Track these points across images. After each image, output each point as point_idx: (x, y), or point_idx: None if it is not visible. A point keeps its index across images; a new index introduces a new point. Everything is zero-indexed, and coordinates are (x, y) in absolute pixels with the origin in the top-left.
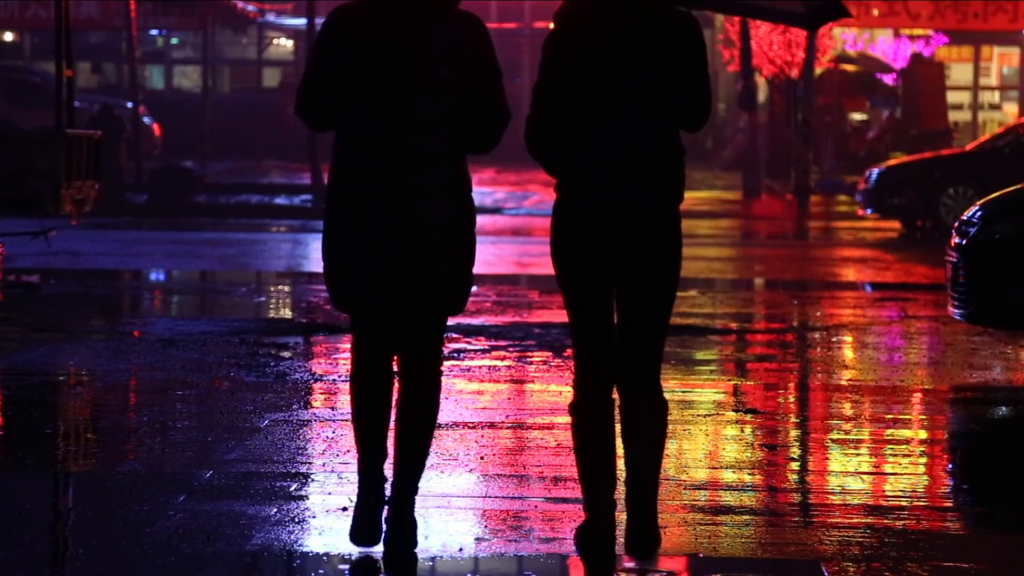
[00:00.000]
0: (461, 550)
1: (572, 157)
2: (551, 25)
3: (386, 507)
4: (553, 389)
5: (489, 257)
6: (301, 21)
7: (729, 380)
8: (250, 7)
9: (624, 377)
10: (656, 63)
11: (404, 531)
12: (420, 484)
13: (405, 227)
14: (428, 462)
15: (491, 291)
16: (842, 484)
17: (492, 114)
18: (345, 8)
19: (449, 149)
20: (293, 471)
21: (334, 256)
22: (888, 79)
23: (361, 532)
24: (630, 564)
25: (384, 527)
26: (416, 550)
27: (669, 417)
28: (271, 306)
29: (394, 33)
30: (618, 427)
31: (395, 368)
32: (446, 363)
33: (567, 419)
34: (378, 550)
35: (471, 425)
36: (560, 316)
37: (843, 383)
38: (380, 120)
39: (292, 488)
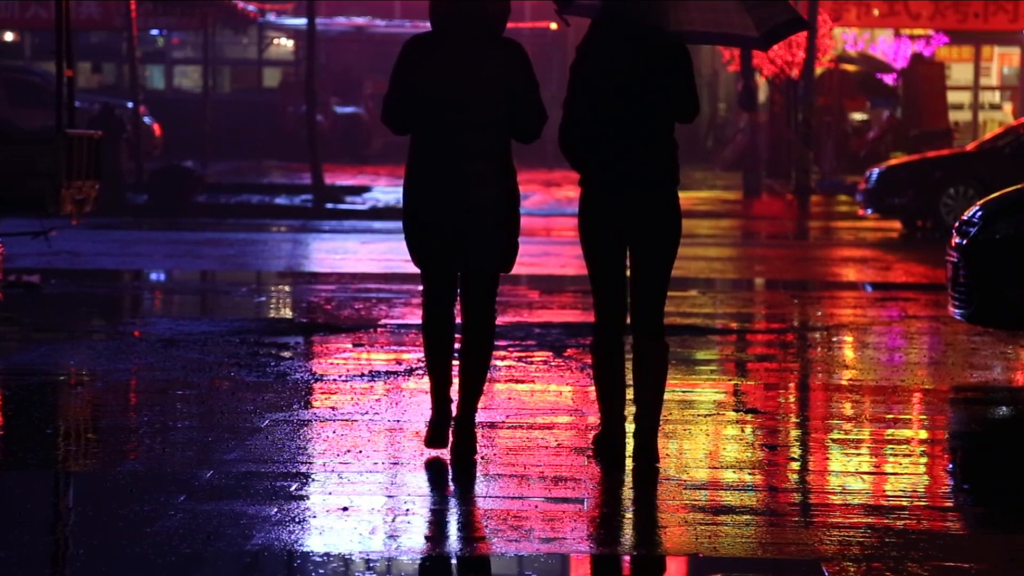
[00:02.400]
0: (461, 550)
1: (595, 154)
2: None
3: (451, 423)
4: (553, 389)
5: None
6: (301, 21)
7: (729, 380)
8: (250, 7)
9: (636, 327)
10: (653, 79)
11: (468, 439)
12: (421, 482)
13: (466, 206)
14: (430, 462)
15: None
16: (842, 484)
17: (531, 116)
18: (417, 39)
19: (498, 145)
20: (293, 471)
21: (412, 229)
22: (888, 79)
23: (435, 440)
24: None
25: (450, 437)
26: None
27: (670, 417)
28: (271, 306)
29: (454, 58)
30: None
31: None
32: None
33: (567, 419)
34: (378, 549)
35: None
36: (560, 316)
37: (843, 383)
38: (445, 124)
39: (292, 488)
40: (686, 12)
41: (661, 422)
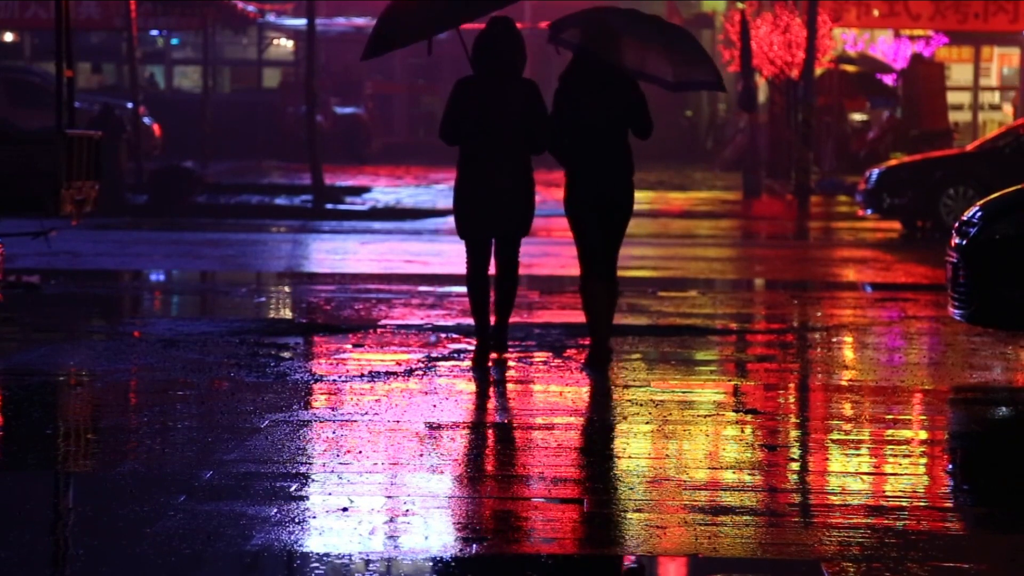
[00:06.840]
0: (461, 550)
1: (575, 157)
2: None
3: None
4: (553, 389)
5: None
6: (301, 21)
7: (729, 380)
8: (250, 7)
9: (600, 273)
10: (618, 102)
11: (502, 341)
12: (421, 482)
13: (497, 190)
14: (430, 462)
15: (491, 291)
16: (842, 484)
17: (542, 135)
18: (464, 80)
19: (520, 149)
20: (293, 471)
21: (459, 207)
22: (888, 79)
23: (478, 363)
24: None
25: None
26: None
27: (669, 416)
28: (271, 306)
29: (490, 91)
30: None
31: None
32: (447, 363)
33: (567, 419)
34: (378, 549)
35: (471, 425)
36: (559, 316)
37: (843, 383)
38: (483, 135)
39: (292, 488)
40: (639, 58)
41: (661, 422)
